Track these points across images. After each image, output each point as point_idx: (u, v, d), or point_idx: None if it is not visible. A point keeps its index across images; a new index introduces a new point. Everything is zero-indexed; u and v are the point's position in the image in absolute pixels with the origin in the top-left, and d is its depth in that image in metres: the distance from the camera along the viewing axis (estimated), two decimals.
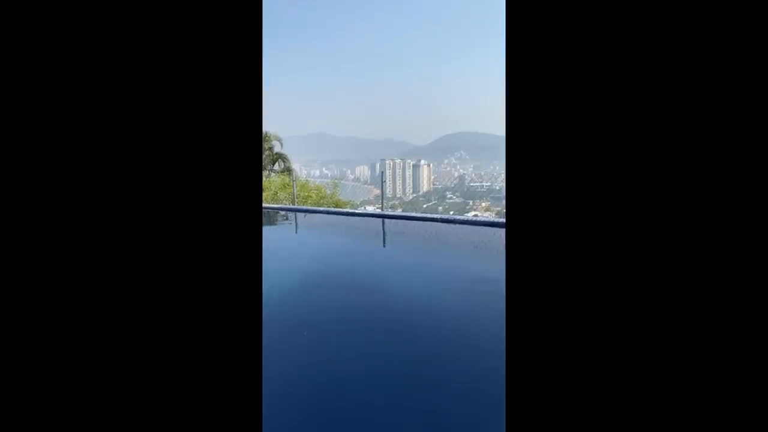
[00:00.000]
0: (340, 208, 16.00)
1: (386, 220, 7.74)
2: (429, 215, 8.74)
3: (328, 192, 18.99)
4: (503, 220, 6.61)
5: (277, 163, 22.88)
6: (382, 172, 11.10)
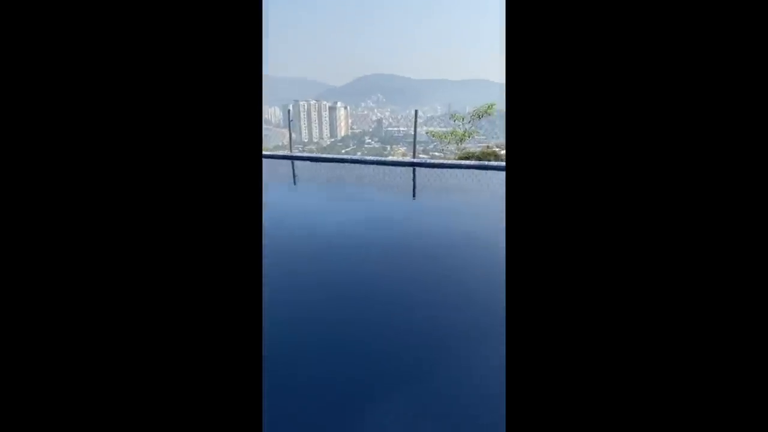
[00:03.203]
0: None
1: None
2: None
3: None
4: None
5: None
6: (289, 111, 10.74)
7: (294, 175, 7.52)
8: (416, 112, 8.03)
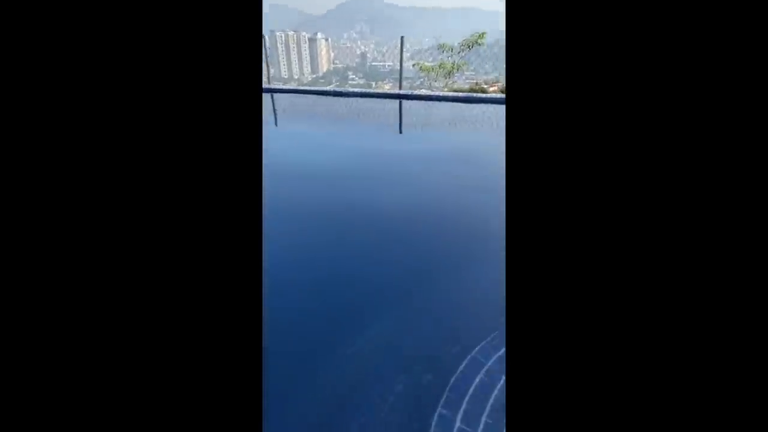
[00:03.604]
0: None
1: None
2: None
3: None
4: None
5: None
6: (265, 41, 9.92)
7: (274, 111, 7.20)
8: (402, 38, 7.55)
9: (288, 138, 5.42)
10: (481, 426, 1.25)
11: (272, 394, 1.36)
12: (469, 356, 1.53)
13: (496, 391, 1.36)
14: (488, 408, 1.30)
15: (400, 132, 5.71)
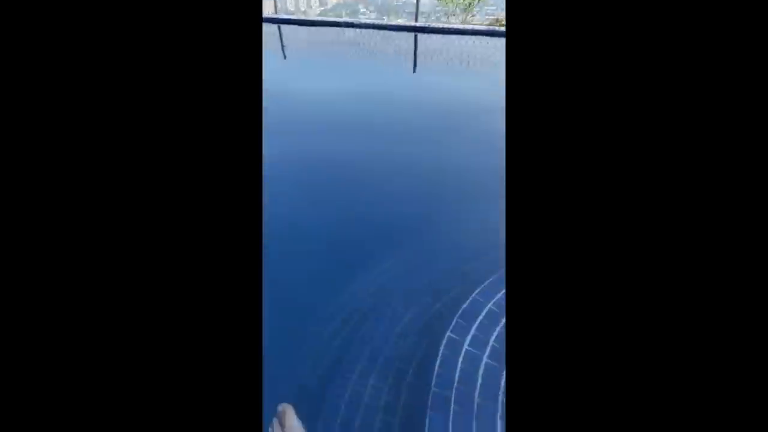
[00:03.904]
0: None
1: None
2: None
3: None
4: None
5: None
6: None
7: (282, 43, 6.84)
8: None
9: (294, 77, 5.20)
10: (488, 349, 1.32)
11: (286, 328, 1.42)
12: (478, 289, 1.57)
13: (503, 320, 1.42)
14: (495, 334, 1.37)
15: (414, 71, 5.44)
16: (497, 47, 6.59)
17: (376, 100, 4.18)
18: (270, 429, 0.96)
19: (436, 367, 1.26)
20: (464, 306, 1.46)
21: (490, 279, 1.60)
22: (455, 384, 1.20)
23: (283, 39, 7.11)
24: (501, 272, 1.63)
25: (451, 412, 1.12)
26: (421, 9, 7.30)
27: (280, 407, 1.01)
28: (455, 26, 7.01)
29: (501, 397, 1.15)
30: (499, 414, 1.12)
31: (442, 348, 1.32)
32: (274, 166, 2.44)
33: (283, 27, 7.93)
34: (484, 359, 1.27)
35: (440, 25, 7.10)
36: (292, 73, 5.22)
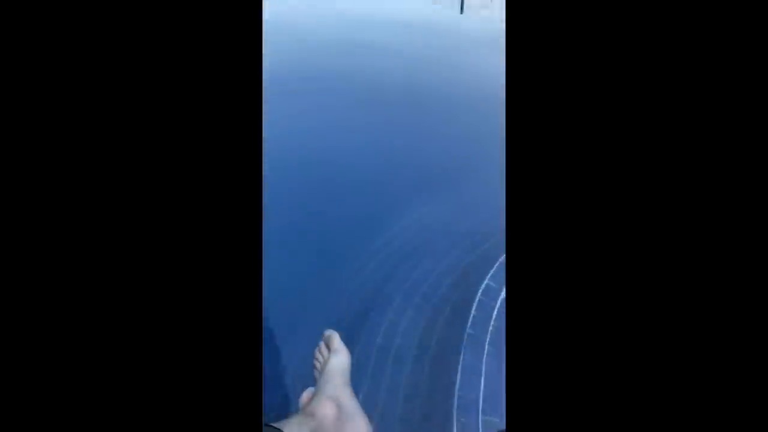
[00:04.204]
0: None
1: None
2: None
3: None
4: None
5: None
6: None
7: None
8: None
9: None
10: None
11: (328, 266, 1.45)
12: None
13: None
14: None
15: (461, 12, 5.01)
16: None
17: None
18: (317, 351, 1.02)
19: (473, 310, 1.27)
20: (503, 257, 1.44)
21: None
22: (490, 328, 1.21)
23: None
24: None
25: (485, 354, 1.14)
26: None
27: (327, 332, 1.06)
28: None
29: None
30: None
31: (479, 294, 1.33)
32: (324, 109, 2.40)
33: None
34: None
35: None
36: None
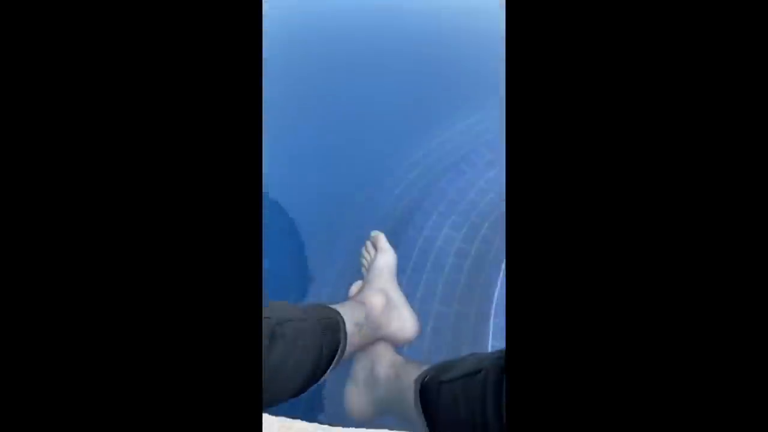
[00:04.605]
0: None
1: None
2: None
3: None
4: None
5: None
6: None
7: None
8: None
9: None
10: None
11: (362, 178, 1.44)
12: None
13: None
14: None
15: None
16: None
17: None
18: (364, 249, 1.07)
19: None
20: None
21: None
22: None
23: None
24: None
25: None
26: None
27: (374, 232, 1.11)
28: None
29: None
30: None
31: None
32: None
33: None
34: None
35: None
36: None
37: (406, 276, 1.13)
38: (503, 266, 1.13)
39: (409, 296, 1.01)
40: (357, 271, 1.01)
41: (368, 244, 1.07)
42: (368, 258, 1.01)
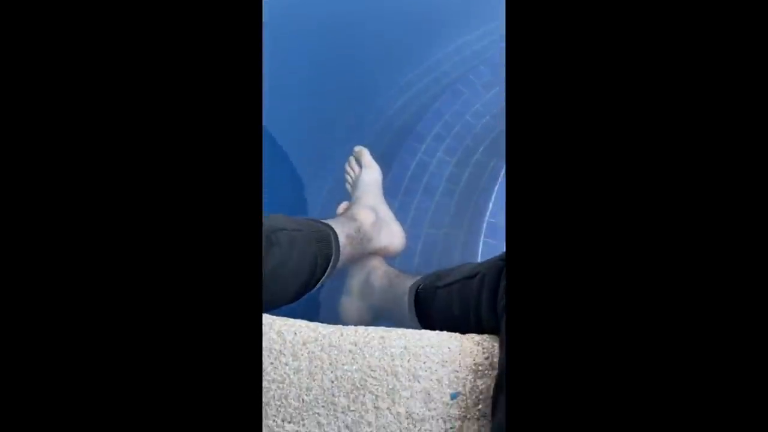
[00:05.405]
0: None
1: None
2: None
3: None
4: None
5: None
6: None
7: None
8: None
9: None
10: None
11: (356, 96, 1.39)
12: None
13: None
14: None
15: None
16: None
17: None
18: (347, 165, 1.06)
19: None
20: None
21: None
22: None
23: None
24: None
25: None
26: None
27: (357, 148, 1.08)
28: None
29: None
30: None
31: None
32: None
33: None
34: None
35: None
36: None
37: (397, 200, 1.14)
38: (495, 190, 1.14)
39: (400, 220, 1.03)
40: (347, 192, 1.01)
41: (351, 160, 1.06)
42: (352, 174, 1.00)
